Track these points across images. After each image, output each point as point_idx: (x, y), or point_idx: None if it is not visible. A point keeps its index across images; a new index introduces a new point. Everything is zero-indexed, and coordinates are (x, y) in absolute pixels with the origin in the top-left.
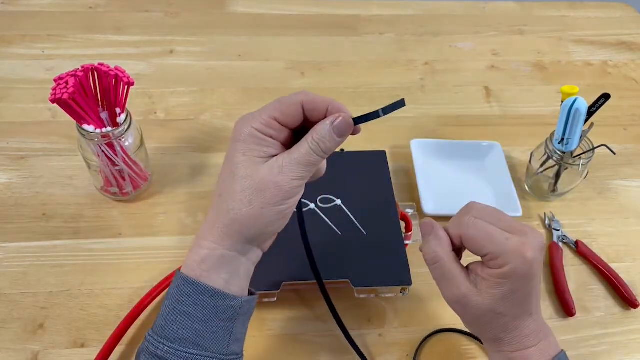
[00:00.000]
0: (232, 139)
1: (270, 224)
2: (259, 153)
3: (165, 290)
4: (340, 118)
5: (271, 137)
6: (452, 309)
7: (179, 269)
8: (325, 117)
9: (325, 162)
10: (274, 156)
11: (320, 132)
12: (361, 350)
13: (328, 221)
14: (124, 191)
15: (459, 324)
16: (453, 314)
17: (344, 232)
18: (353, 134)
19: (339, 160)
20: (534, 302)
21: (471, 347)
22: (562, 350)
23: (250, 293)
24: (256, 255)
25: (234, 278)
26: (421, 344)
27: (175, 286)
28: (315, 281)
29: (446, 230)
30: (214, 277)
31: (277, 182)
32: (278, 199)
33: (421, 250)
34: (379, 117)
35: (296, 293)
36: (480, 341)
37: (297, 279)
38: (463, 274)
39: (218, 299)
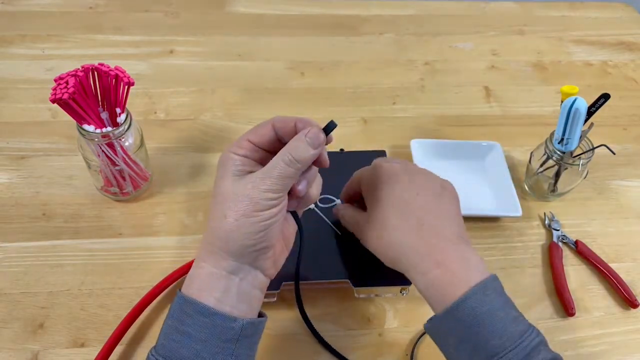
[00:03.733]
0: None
1: (246, 237)
2: (234, 172)
3: (163, 297)
4: (312, 129)
5: (246, 157)
6: (360, 238)
7: (180, 288)
8: (295, 132)
9: (317, 191)
10: (250, 173)
11: (292, 143)
12: (353, 351)
13: (328, 221)
14: (124, 191)
15: None
16: None
17: (344, 231)
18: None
19: (339, 161)
20: (415, 217)
21: None
22: (492, 275)
23: (261, 316)
24: (253, 276)
25: (225, 297)
26: (418, 340)
27: (175, 305)
28: (315, 281)
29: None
30: (205, 295)
31: (248, 194)
32: (250, 210)
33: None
34: (335, 125)
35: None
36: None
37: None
38: (357, 212)
39: (216, 319)
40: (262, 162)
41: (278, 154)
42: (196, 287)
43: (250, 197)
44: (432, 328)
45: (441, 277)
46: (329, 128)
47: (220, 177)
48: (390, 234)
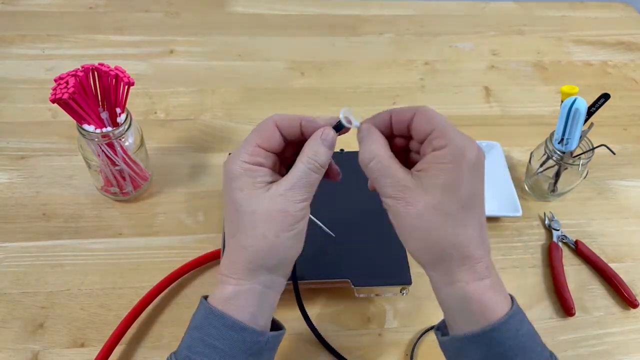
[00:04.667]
0: (225, 180)
1: (287, 250)
2: (254, 184)
3: (163, 297)
4: (326, 130)
5: (261, 165)
6: (391, 215)
7: (204, 297)
8: (301, 132)
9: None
10: (270, 183)
11: (312, 149)
12: (353, 351)
13: (322, 225)
14: (124, 191)
15: None
16: None
17: (338, 234)
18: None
19: (339, 161)
20: (480, 211)
21: None
22: (511, 295)
23: (276, 325)
24: (280, 284)
25: (260, 311)
26: (418, 340)
27: (202, 317)
28: (315, 280)
29: (391, 117)
30: (241, 312)
31: (282, 209)
32: (287, 224)
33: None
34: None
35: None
36: None
37: (297, 279)
38: (403, 169)
39: (245, 334)
40: (274, 168)
41: (297, 161)
42: (232, 304)
43: (286, 211)
44: (452, 346)
45: (481, 291)
46: (340, 126)
47: (240, 191)
48: (455, 223)
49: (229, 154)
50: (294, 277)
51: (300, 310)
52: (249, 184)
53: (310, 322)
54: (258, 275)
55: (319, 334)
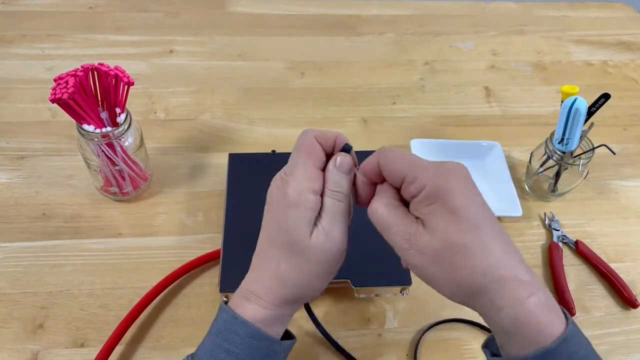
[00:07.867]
0: (282, 202)
1: (324, 287)
2: (310, 220)
3: (163, 297)
4: (341, 157)
5: (318, 192)
6: (412, 270)
7: (224, 302)
8: (333, 149)
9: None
10: (316, 218)
11: (332, 180)
12: (353, 351)
13: None
14: (123, 191)
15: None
16: (453, 313)
17: None
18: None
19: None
20: (491, 223)
21: (471, 346)
22: (564, 311)
23: (288, 334)
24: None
25: (283, 329)
26: (419, 340)
27: (223, 323)
28: None
29: (365, 167)
30: (268, 331)
31: (331, 250)
32: (334, 264)
33: None
34: (351, 147)
35: None
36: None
37: None
38: (408, 218)
39: (264, 342)
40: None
41: (325, 196)
42: (264, 324)
43: (333, 254)
44: None
45: (530, 313)
46: (345, 152)
47: (298, 224)
48: (473, 251)
49: (229, 154)
50: None
51: (308, 312)
52: (307, 218)
53: (319, 324)
54: (295, 305)
55: (329, 335)
